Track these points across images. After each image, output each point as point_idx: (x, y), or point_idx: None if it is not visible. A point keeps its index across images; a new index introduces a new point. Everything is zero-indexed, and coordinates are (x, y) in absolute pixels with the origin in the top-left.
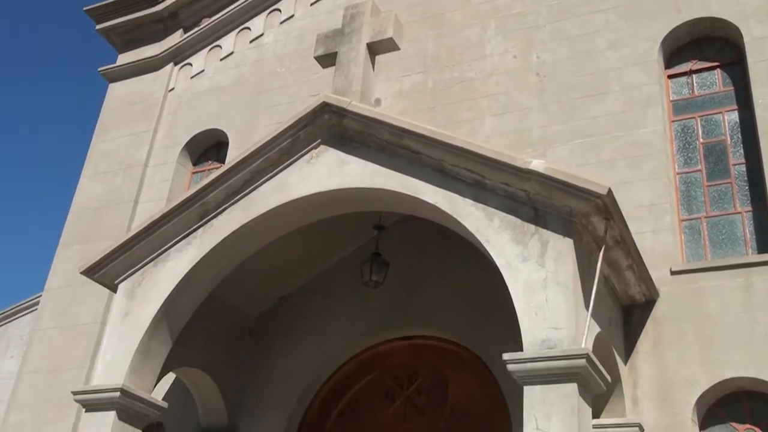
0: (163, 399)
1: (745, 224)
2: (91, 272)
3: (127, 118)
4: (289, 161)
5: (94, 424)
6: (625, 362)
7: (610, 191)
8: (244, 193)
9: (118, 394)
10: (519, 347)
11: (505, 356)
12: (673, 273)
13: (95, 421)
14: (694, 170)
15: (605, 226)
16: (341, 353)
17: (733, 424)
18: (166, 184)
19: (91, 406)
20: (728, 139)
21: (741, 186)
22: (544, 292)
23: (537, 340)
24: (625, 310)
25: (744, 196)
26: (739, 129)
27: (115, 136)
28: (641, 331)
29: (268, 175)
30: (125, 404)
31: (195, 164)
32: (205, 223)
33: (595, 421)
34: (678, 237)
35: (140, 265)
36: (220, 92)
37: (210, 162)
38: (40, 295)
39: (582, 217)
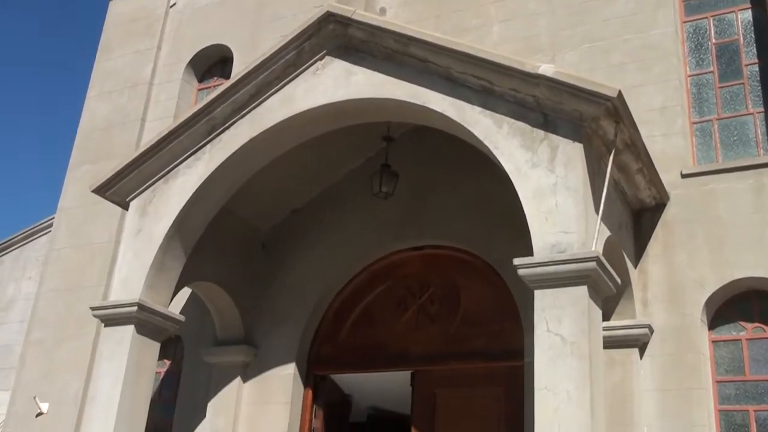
0: (180, 313)
1: (756, 125)
2: (102, 190)
3: (130, 35)
4: (294, 73)
5: (114, 338)
6: (635, 265)
7: (620, 93)
8: (251, 107)
9: (135, 308)
10: (530, 253)
11: (516, 261)
12: (683, 176)
13: (115, 335)
14: (705, 72)
15: (615, 129)
16: (353, 264)
17: (742, 323)
18: (172, 101)
19: (109, 321)
20: (741, 38)
21: (753, 87)
22: (554, 197)
23: (547, 244)
24: (636, 214)
25: (756, 97)
26: (752, 28)
27: (119, 54)
28: (651, 235)
29: (274, 89)
30: (143, 318)
31: (200, 81)
32: (213, 138)
33: (606, 324)
34: (689, 140)
35: (150, 182)
36: (222, 6)
37: (215, 78)
38: (54, 217)
39: (592, 121)
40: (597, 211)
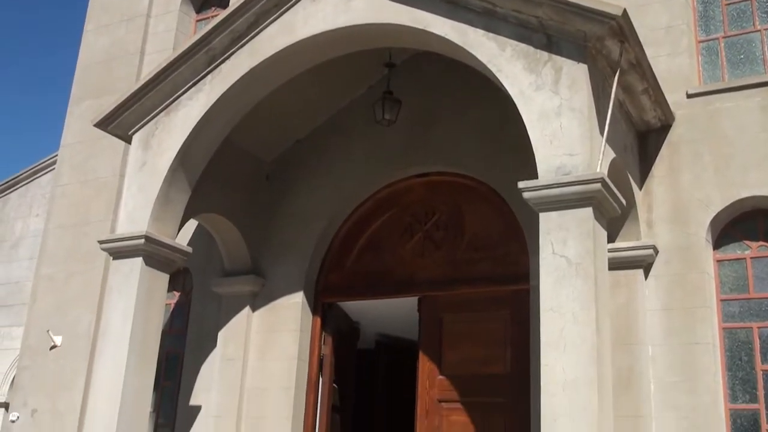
0: (187, 245)
1: (764, 42)
2: (104, 124)
3: None
4: (293, 0)
5: (123, 271)
6: (640, 187)
7: (625, 12)
8: (250, 36)
9: (142, 241)
10: (534, 177)
11: (521, 184)
12: (689, 96)
13: (124, 268)
14: None
15: (620, 49)
16: (358, 193)
17: (746, 242)
18: (170, 33)
19: (118, 254)
20: None
21: (761, 3)
22: (559, 119)
23: (552, 167)
24: (641, 135)
25: (764, 14)
26: None
27: None
28: (656, 156)
29: (273, 16)
30: (150, 250)
31: (198, 12)
32: (214, 69)
33: (611, 245)
34: (695, 59)
35: (152, 114)
36: None
37: (213, 9)
38: (57, 154)
39: (596, 41)
40: (602, 132)
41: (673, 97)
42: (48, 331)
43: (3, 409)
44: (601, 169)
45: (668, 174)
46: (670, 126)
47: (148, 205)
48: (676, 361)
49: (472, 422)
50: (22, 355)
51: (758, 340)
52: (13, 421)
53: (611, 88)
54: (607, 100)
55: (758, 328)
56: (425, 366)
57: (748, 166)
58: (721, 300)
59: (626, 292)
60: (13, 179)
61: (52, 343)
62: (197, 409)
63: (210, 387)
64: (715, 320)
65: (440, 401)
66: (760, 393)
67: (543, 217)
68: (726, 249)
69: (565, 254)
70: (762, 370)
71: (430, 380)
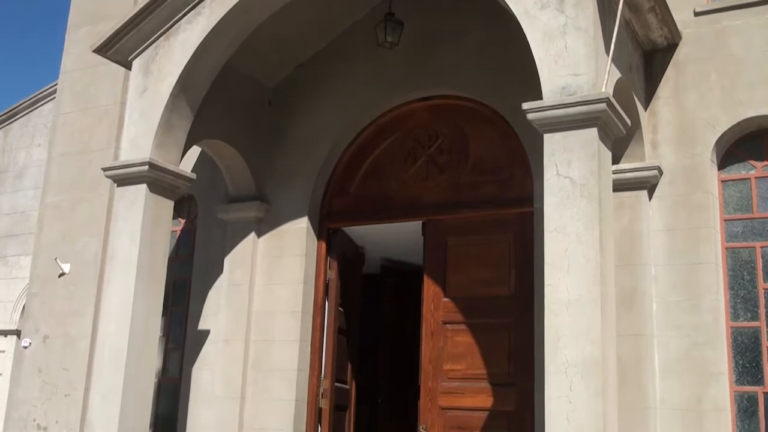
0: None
1: None
2: (103, 50)
3: None
4: None
5: (128, 198)
6: (645, 108)
7: None
8: None
9: (146, 167)
10: (539, 99)
11: (525, 105)
12: (696, 14)
13: (129, 194)
14: None
15: None
16: (361, 118)
17: (752, 161)
18: None
19: (122, 181)
20: None
21: None
22: (564, 38)
23: (557, 87)
24: (647, 55)
25: None
26: None
27: None
28: (662, 76)
29: None
30: (154, 177)
31: None
32: None
33: (615, 167)
34: None
35: (152, 39)
36: None
37: None
38: (57, 83)
39: None
40: (607, 52)
41: (680, 16)
42: (56, 259)
43: (15, 337)
44: (607, 89)
45: (674, 94)
46: (677, 45)
47: (151, 131)
48: (679, 281)
49: (477, 343)
50: (31, 283)
51: (761, 259)
52: (25, 347)
53: (617, 6)
54: (613, 19)
55: (761, 247)
56: (430, 289)
57: (755, 85)
58: (725, 220)
59: (630, 213)
60: (13, 109)
61: (61, 271)
62: (206, 333)
63: (218, 312)
64: (718, 240)
65: (445, 323)
66: (761, 311)
67: (547, 138)
68: (730, 169)
69: (570, 175)
70: (764, 289)
71: (434, 303)
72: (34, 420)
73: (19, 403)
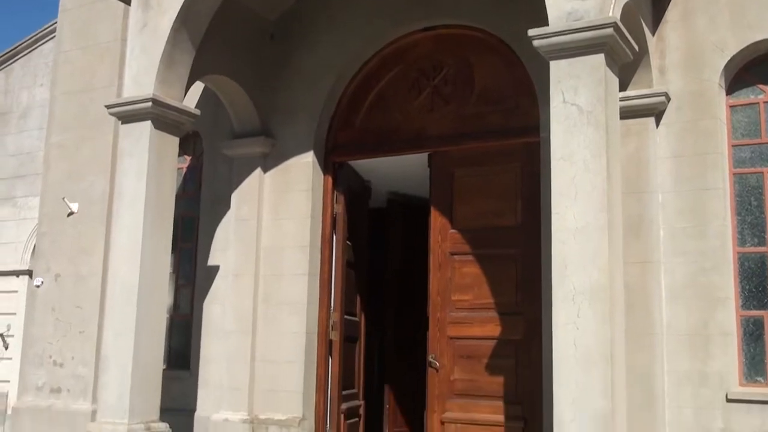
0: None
1: None
2: None
3: None
4: None
5: (133, 135)
6: (653, 33)
7: None
8: None
9: (150, 103)
10: (544, 26)
11: (531, 32)
12: None
13: (133, 132)
14: None
15: None
16: (364, 50)
17: (760, 86)
18: None
19: (126, 118)
20: None
21: None
22: None
23: (563, 13)
24: None
25: None
26: None
27: None
28: (670, 0)
29: None
30: (158, 113)
31: None
32: None
33: (622, 94)
34: None
35: None
36: None
37: None
38: (56, 22)
39: None
40: None
41: None
42: (63, 198)
43: (27, 277)
44: (614, 13)
45: (682, 18)
46: None
47: (153, 67)
48: (686, 207)
49: (484, 273)
50: (40, 223)
51: None
52: (38, 286)
53: None
54: None
55: None
56: (437, 221)
57: (765, 8)
58: (733, 146)
59: (637, 141)
60: (14, 49)
61: (69, 210)
62: (215, 269)
63: (226, 247)
64: (726, 166)
65: (452, 254)
66: None
67: (554, 65)
68: (739, 94)
69: (577, 102)
70: None
71: (442, 234)
72: (50, 357)
73: (34, 341)
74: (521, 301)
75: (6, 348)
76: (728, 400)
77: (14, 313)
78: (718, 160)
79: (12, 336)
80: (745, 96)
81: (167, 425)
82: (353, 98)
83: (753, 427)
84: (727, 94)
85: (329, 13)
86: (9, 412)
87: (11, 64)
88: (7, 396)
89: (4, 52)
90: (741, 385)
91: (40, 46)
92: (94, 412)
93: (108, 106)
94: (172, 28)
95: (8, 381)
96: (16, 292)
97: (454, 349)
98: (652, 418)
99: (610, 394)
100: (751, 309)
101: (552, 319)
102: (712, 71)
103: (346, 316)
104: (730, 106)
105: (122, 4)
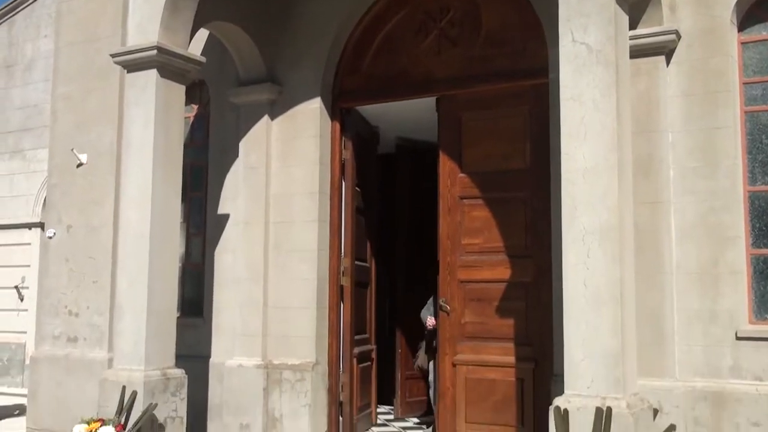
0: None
1: None
2: None
3: None
4: None
5: (139, 84)
6: None
7: None
8: None
9: (155, 51)
10: None
11: None
12: None
13: (139, 80)
14: None
15: None
16: None
17: None
18: None
19: (132, 67)
20: None
21: None
22: None
23: None
24: None
25: None
26: None
27: None
28: None
29: None
30: (164, 61)
31: None
32: None
33: (632, 32)
34: None
35: None
36: None
37: None
38: None
39: None
40: None
41: None
42: (72, 149)
43: (39, 229)
44: None
45: None
46: None
47: (157, 14)
48: (697, 147)
49: (494, 216)
50: (50, 175)
51: None
52: (50, 237)
53: None
54: None
55: None
56: (446, 165)
57: None
58: (744, 83)
59: (647, 80)
60: (15, 0)
61: (79, 161)
62: (225, 217)
63: (236, 195)
64: (737, 104)
65: (462, 198)
66: None
67: (563, 3)
68: (751, 30)
69: (586, 41)
70: None
71: (451, 179)
72: (66, 306)
73: (48, 291)
74: (531, 244)
75: (21, 300)
76: (738, 338)
77: (28, 265)
78: (729, 99)
79: (27, 288)
80: (757, 32)
81: (183, 371)
82: (359, 43)
83: (762, 364)
84: (738, 31)
85: None
86: (27, 362)
87: (13, 16)
88: (24, 346)
89: (5, 5)
90: (751, 323)
91: None
92: (110, 360)
93: (113, 55)
94: None
95: (25, 332)
96: (29, 244)
97: (464, 292)
98: (662, 357)
99: (620, 334)
100: (761, 247)
101: (562, 260)
102: (723, 7)
103: (356, 262)
104: (742, 43)
105: None
